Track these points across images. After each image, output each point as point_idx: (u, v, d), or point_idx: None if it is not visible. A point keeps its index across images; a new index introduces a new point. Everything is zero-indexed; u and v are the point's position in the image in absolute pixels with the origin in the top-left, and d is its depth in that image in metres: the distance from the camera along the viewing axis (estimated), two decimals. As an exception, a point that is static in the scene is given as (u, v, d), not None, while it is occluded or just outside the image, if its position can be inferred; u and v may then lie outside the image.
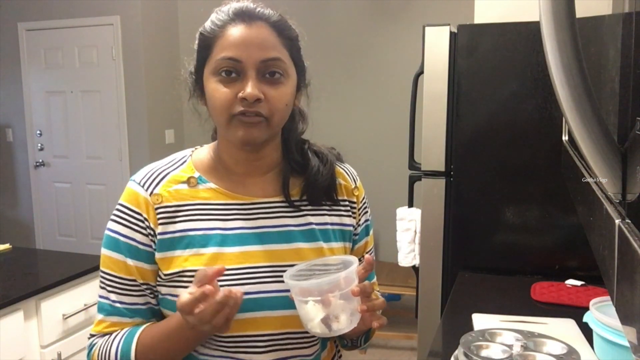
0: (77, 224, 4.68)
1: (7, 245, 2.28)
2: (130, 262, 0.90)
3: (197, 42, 0.91)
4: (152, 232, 0.90)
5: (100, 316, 0.93)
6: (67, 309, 1.96)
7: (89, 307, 2.03)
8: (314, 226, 0.95)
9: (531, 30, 1.85)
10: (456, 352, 1.09)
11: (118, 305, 0.91)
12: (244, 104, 0.84)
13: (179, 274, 0.88)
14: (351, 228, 1.01)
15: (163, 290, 0.91)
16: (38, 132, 4.71)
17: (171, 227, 0.90)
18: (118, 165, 4.48)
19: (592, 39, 0.89)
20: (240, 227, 0.91)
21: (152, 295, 0.92)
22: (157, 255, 0.90)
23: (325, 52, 4.32)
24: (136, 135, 4.42)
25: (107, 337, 0.91)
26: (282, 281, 0.84)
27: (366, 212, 1.05)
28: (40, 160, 4.73)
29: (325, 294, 0.79)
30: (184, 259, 0.88)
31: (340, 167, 1.03)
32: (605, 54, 0.76)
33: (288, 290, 0.84)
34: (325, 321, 0.81)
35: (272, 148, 0.95)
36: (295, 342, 0.91)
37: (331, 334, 0.82)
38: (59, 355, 1.92)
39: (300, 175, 0.97)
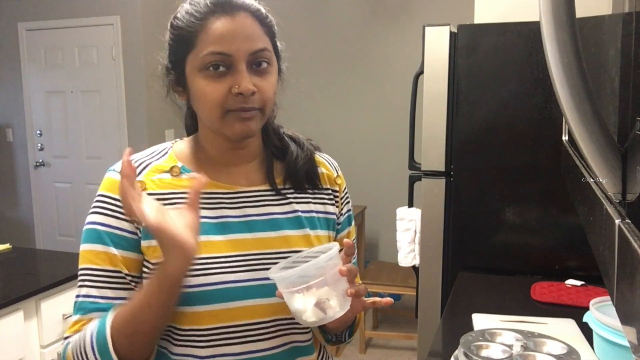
0: (77, 224, 4.67)
1: (7, 245, 2.29)
2: (115, 252, 0.86)
3: (170, 35, 0.88)
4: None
5: (76, 317, 0.87)
6: (67, 309, 1.95)
7: (89, 307, 2.03)
8: (299, 214, 0.95)
9: (531, 30, 1.85)
10: (456, 352, 1.09)
11: (100, 300, 0.86)
12: (240, 99, 0.84)
13: None
14: (334, 217, 1.01)
15: None
16: (38, 132, 4.71)
17: None
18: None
19: (592, 39, 0.89)
20: (226, 215, 0.91)
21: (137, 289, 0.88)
22: (143, 243, 0.87)
23: (325, 52, 4.32)
24: (136, 135, 4.42)
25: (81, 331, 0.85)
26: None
27: (348, 202, 1.06)
28: (40, 160, 4.72)
29: (312, 280, 0.78)
30: None
31: (321, 157, 1.04)
32: (605, 54, 0.76)
33: None
34: (319, 307, 0.80)
35: (255, 136, 0.95)
36: (287, 329, 0.90)
37: (327, 319, 0.81)
38: (59, 355, 1.92)
39: (281, 162, 0.98)
